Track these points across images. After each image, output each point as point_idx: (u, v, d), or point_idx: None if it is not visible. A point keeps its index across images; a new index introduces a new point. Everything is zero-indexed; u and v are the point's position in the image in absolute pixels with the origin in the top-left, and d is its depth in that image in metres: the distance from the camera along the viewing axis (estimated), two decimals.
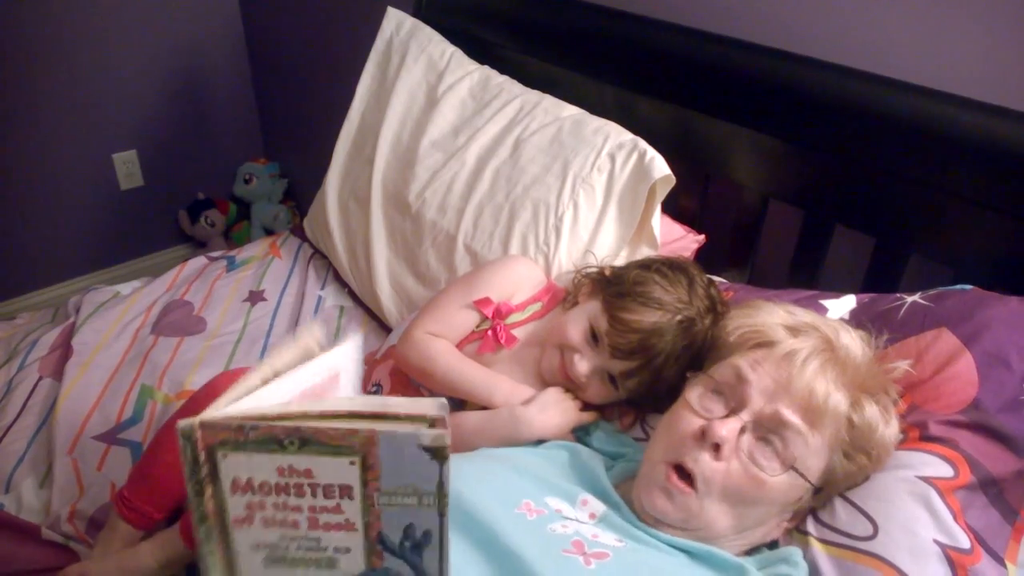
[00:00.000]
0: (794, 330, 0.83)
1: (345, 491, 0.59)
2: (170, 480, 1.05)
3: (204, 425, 0.58)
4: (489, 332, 1.10)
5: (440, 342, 1.10)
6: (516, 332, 1.11)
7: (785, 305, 0.91)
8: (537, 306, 1.14)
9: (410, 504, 0.58)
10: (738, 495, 0.78)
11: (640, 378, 0.98)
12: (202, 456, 0.59)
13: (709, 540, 0.81)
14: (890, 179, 1.09)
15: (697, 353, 0.95)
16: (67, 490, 1.16)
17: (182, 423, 0.59)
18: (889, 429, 0.82)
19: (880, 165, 1.10)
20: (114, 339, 1.45)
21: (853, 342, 0.83)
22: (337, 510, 0.60)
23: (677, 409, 0.85)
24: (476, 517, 0.78)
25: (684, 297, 0.98)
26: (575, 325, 1.02)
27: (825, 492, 0.82)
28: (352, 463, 0.57)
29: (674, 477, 0.80)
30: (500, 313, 1.11)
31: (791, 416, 0.77)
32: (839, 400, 0.78)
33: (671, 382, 0.95)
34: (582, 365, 1.00)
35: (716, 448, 0.78)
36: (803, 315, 0.88)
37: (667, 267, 1.02)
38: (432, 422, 0.54)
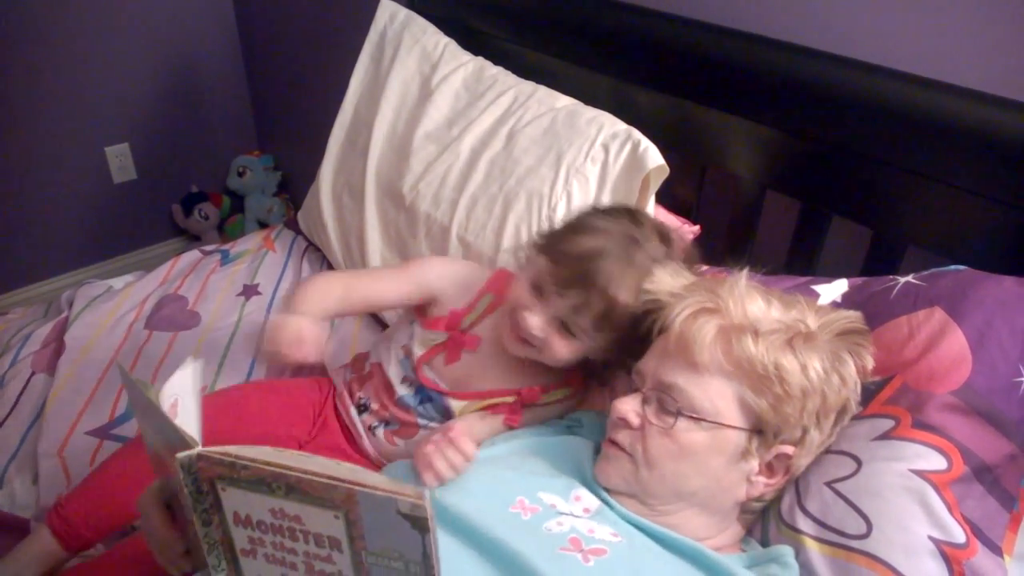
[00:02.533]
0: (679, 296, 0.86)
1: (334, 543, 0.60)
2: (115, 495, 1.02)
3: (202, 458, 0.60)
4: (449, 342, 1.08)
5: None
6: (478, 331, 1.08)
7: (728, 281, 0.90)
8: (488, 298, 1.10)
9: (397, 567, 0.59)
10: (662, 455, 0.82)
11: (593, 311, 0.92)
12: (205, 486, 0.61)
13: (667, 512, 0.83)
14: (887, 169, 1.08)
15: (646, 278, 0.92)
16: (56, 486, 1.15)
17: (181, 455, 0.60)
18: (790, 359, 0.79)
19: (877, 155, 1.09)
20: (107, 334, 1.44)
21: (736, 298, 0.83)
22: (329, 560, 0.62)
23: None
24: (472, 521, 0.78)
25: (625, 223, 0.95)
26: (518, 284, 0.99)
27: (769, 433, 0.81)
28: (336, 517, 0.58)
29: (608, 444, 0.87)
30: (454, 324, 1.08)
31: (671, 376, 0.82)
32: (707, 333, 0.80)
33: (630, 321, 0.92)
34: (532, 320, 0.96)
35: (625, 423, 0.84)
36: (714, 284, 0.88)
37: (605, 206, 1.01)
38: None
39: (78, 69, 2.41)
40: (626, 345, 0.93)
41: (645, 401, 0.84)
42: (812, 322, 0.83)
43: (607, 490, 0.86)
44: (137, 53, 2.51)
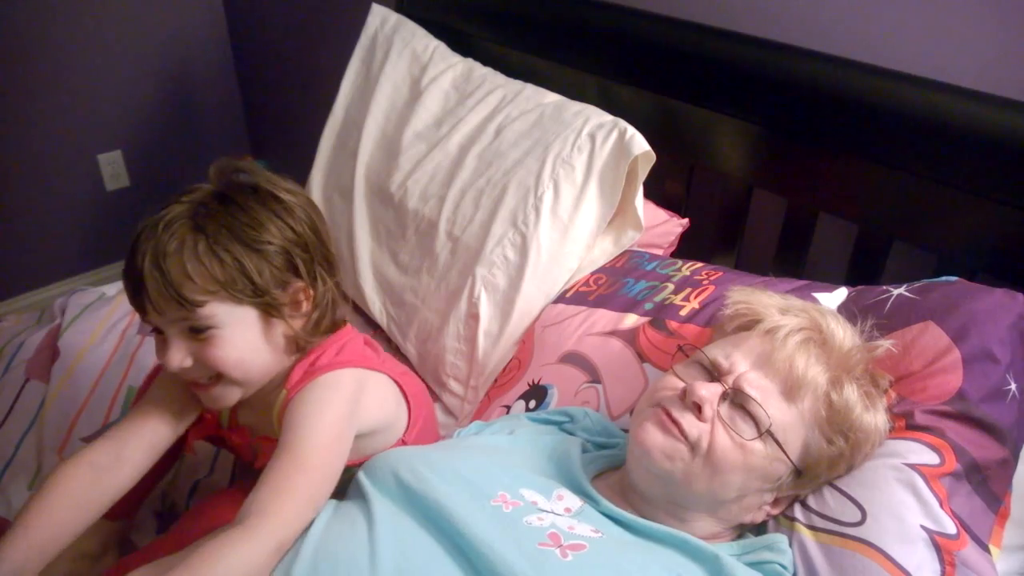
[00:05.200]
0: (783, 310, 0.86)
1: None
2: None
3: None
4: (239, 452, 1.03)
5: None
6: (241, 421, 1.02)
7: (783, 293, 0.94)
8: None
9: None
10: (722, 461, 0.79)
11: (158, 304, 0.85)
12: None
13: (685, 510, 0.82)
14: (873, 166, 1.09)
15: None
16: None
17: None
18: (870, 416, 0.82)
19: (863, 153, 1.10)
20: (100, 340, 1.44)
21: (840, 327, 0.84)
22: None
23: (663, 374, 0.88)
24: (450, 514, 0.77)
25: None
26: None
27: (806, 478, 0.82)
28: None
29: (664, 415, 0.81)
30: (213, 428, 1.01)
31: (757, 389, 0.79)
32: (818, 374, 0.79)
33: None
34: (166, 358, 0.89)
35: (697, 409, 0.79)
36: (795, 301, 0.90)
37: None
38: None
39: (70, 77, 2.41)
40: None
41: (723, 396, 0.81)
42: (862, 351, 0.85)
43: (599, 495, 0.85)
44: (129, 60, 2.51)
